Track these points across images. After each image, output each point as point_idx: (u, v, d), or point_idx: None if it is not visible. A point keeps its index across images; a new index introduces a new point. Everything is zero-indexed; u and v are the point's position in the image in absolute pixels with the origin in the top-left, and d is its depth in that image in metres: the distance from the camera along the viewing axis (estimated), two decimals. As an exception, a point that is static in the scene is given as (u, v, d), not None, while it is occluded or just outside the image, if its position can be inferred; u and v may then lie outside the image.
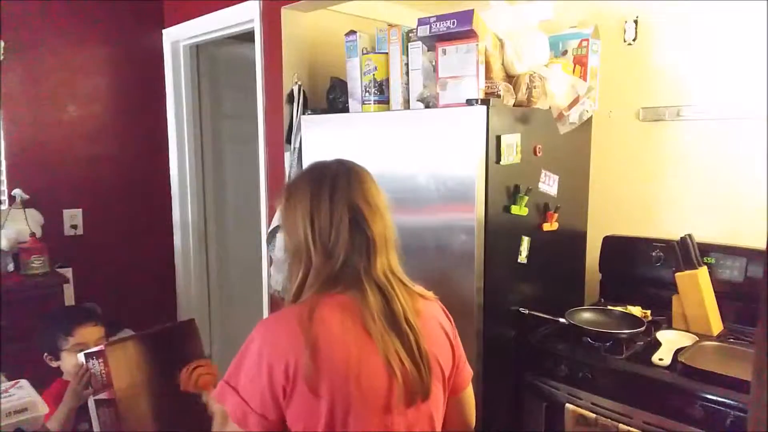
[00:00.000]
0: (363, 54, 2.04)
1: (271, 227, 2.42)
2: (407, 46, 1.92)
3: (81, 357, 1.52)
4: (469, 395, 1.21)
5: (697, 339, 1.71)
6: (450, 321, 1.17)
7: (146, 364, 1.52)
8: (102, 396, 1.49)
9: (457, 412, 1.18)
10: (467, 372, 1.19)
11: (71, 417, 1.59)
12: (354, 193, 1.07)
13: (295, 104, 2.30)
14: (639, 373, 1.56)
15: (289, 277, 1.12)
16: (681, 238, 1.82)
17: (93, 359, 1.50)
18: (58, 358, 1.75)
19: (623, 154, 2.13)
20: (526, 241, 1.79)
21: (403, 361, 1.01)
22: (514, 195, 1.74)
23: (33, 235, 2.62)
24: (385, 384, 1.01)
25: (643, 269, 1.98)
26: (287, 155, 2.37)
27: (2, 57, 2.65)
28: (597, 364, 1.63)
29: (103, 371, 1.48)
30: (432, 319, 1.12)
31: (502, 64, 1.75)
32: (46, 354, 1.76)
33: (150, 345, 1.53)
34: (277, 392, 0.97)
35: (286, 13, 2.34)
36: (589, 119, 1.99)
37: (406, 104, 1.94)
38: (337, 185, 1.07)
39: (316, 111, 2.26)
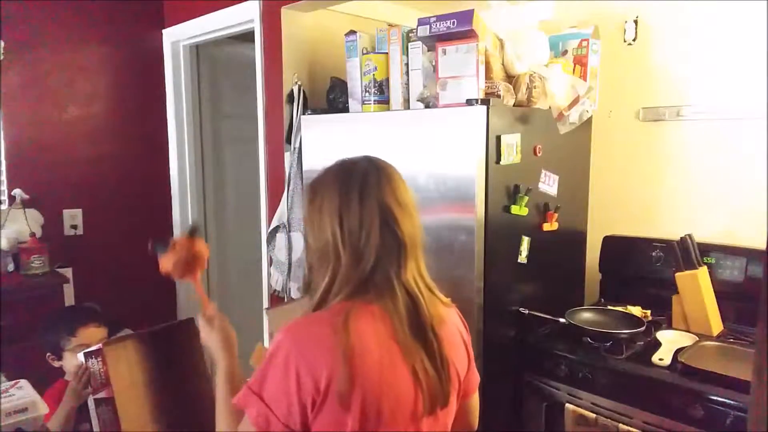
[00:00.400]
0: (363, 54, 2.04)
1: (271, 227, 2.43)
2: (407, 46, 1.92)
3: (80, 356, 1.52)
4: (475, 400, 1.20)
5: (697, 339, 1.71)
6: (466, 328, 1.15)
7: (145, 363, 1.51)
8: (101, 395, 1.49)
9: (462, 417, 1.17)
10: (476, 378, 1.18)
11: (71, 417, 1.59)
12: (384, 192, 1.02)
13: (295, 104, 2.30)
14: (639, 373, 1.56)
15: (314, 280, 1.06)
16: (681, 238, 1.82)
17: (92, 358, 1.49)
18: (60, 358, 1.75)
19: (623, 154, 2.13)
20: (526, 241, 1.79)
21: (427, 370, 0.99)
22: (514, 195, 1.74)
23: (33, 235, 2.63)
24: (412, 394, 0.99)
25: (643, 269, 1.98)
26: (287, 155, 2.37)
27: (2, 57, 2.66)
28: (597, 364, 1.63)
29: (102, 370, 1.48)
30: (452, 326, 1.10)
31: (502, 64, 1.75)
32: (48, 354, 1.76)
33: (149, 344, 1.52)
34: (305, 403, 0.93)
35: (286, 13, 2.34)
36: (589, 119, 1.99)
37: (406, 104, 1.95)
38: (367, 184, 1.02)
39: (316, 111, 2.26)
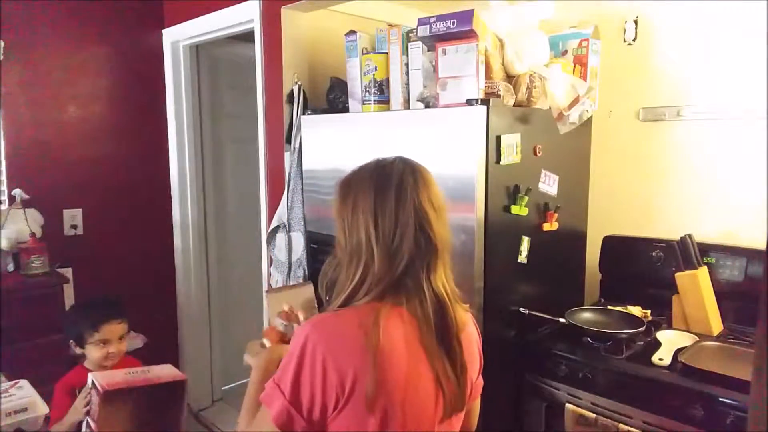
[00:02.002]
0: (363, 54, 2.04)
1: (271, 227, 2.43)
2: (407, 46, 1.92)
3: (89, 378, 1.51)
4: (478, 403, 1.21)
5: (697, 339, 1.71)
6: (479, 333, 1.16)
7: (133, 417, 1.49)
8: (93, 425, 1.48)
9: (464, 419, 1.18)
10: (480, 382, 1.18)
11: (74, 429, 1.61)
12: (421, 195, 1.02)
13: (295, 104, 2.30)
14: (639, 373, 1.55)
15: (342, 277, 1.04)
16: (681, 238, 1.82)
17: (94, 391, 1.47)
18: (83, 347, 1.87)
19: (623, 154, 2.13)
20: (526, 241, 1.79)
21: (449, 375, 1.00)
22: (514, 195, 1.74)
23: (33, 235, 2.62)
24: (433, 399, 0.99)
25: (643, 269, 1.98)
26: (287, 155, 2.37)
27: (2, 57, 2.66)
28: (597, 364, 1.63)
29: (96, 410, 1.46)
30: (470, 333, 1.10)
31: (502, 64, 1.75)
32: (72, 341, 1.88)
33: (145, 399, 1.49)
34: (328, 401, 0.92)
35: (286, 13, 2.34)
36: (589, 119, 1.99)
37: (406, 104, 1.95)
38: (404, 185, 1.02)
39: (316, 111, 2.26)
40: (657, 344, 1.69)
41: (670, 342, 1.69)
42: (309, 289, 1.40)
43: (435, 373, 0.98)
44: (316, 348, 0.93)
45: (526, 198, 1.74)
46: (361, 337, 0.93)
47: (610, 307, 1.90)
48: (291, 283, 2.32)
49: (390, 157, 1.08)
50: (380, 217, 1.00)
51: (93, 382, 1.46)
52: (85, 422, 1.50)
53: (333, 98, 2.25)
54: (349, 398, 0.92)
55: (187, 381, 1.51)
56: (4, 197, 2.74)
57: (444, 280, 1.03)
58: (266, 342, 1.24)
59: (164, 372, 1.53)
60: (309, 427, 0.93)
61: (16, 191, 2.69)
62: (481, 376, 1.17)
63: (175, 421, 1.55)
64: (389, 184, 1.02)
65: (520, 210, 1.73)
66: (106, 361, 1.86)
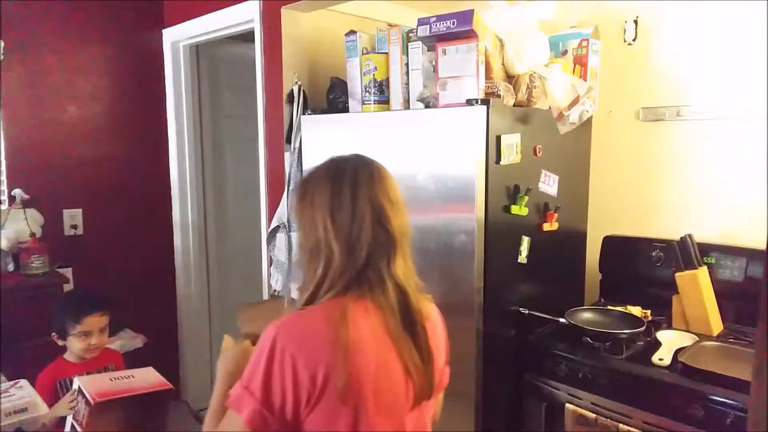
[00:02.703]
0: (363, 54, 2.04)
1: (271, 227, 2.42)
2: (407, 46, 1.92)
3: (76, 382, 1.50)
4: (440, 398, 1.22)
5: (697, 339, 1.71)
6: (443, 324, 1.17)
7: (118, 424, 1.47)
8: (79, 430, 1.47)
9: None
10: (447, 371, 1.19)
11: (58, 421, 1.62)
12: (376, 189, 1.04)
13: (295, 104, 2.30)
14: (639, 373, 1.56)
15: (304, 276, 1.06)
16: (681, 238, 1.82)
17: (81, 398, 1.45)
18: (65, 339, 1.91)
19: (623, 154, 2.13)
20: (526, 241, 1.79)
21: (416, 363, 1.02)
22: (514, 195, 1.74)
23: (33, 235, 2.62)
24: (403, 388, 1.01)
25: (643, 269, 1.98)
26: (287, 155, 2.37)
27: (2, 57, 2.66)
28: (597, 364, 1.63)
29: (83, 417, 1.45)
30: (435, 322, 1.12)
31: (502, 64, 1.75)
32: (54, 333, 1.93)
33: (133, 407, 1.48)
34: (300, 399, 0.93)
35: (286, 13, 2.34)
36: (589, 119, 1.99)
37: (406, 104, 1.95)
38: (359, 180, 1.04)
39: (316, 111, 2.26)
40: (657, 344, 1.69)
41: (670, 342, 1.69)
42: (281, 305, 1.39)
43: (403, 362, 1.00)
44: (285, 349, 0.94)
45: (526, 198, 1.74)
46: (329, 333, 0.95)
47: (610, 307, 1.90)
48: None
49: (346, 155, 1.11)
50: (337, 212, 1.02)
51: (81, 389, 1.46)
52: (70, 423, 1.50)
53: (333, 98, 2.25)
54: (321, 394, 0.93)
55: (173, 390, 1.51)
56: (4, 197, 2.74)
57: (405, 270, 1.05)
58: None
59: (149, 378, 1.53)
60: (283, 427, 0.94)
61: (16, 191, 2.69)
62: (447, 366, 1.19)
63: (162, 426, 1.56)
64: (344, 180, 1.04)
65: (520, 210, 1.73)
66: (87, 353, 1.91)
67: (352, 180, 1.04)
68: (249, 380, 0.96)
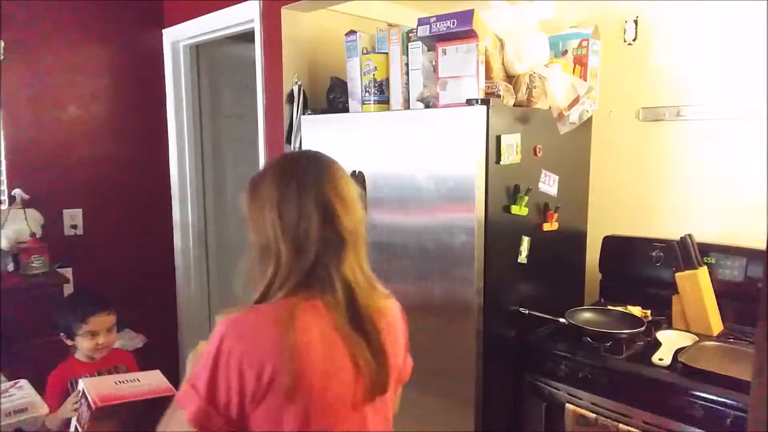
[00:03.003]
0: (363, 54, 2.04)
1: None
2: (407, 46, 1.92)
3: (80, 384, 1.51)
4: (399, 391, 1.21)
5: (697, 339, 1.71)
6: (404, 318, 1.17)
7: (119, 427, 1.48)
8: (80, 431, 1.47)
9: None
10: (409, 363, 1.19)
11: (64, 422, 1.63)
12: (324, 186, 1.03)
13: (295, 104, 2.30)
14: (639, 373, 1.56)
15: (256, 275, 1.05)
16: (681, 238, 1.82)
17: (84, 401, 1.46)
18: (72, 339, 1.93)
19: (623, 154, 2.13)
20: (526, 241, 1.79)
21: (367, 360, 1.01)
22: (514, 195, 1.74)
23: (33, 235, 2.62)
24: (352, 383, 1.01)
25: (643, 269, 1.98)
26: (287, 155, 2.37)
27: (2, 57, 2.66)
28: (597, 364, 1.63)
29: (85, 421, 1.45)
30: (393, 318, 1.12)
31: (502, 64, 1.75)
32: (62, 334, 1.94)
33: (134, 410, 1.48)
34: (245, 397, 0.94)
35: (286, 13, 2.34)
36: (589, 119, 1.99)
37: (406, 104, 1.95)
38: (306, 177, 1.03)
39: (316, 111, 2.26)
40: (657, 344, 1.69)
41: (670, 342, 1.68)
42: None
43: (354, 360, 1.00)
44: (233, 348, 0.94)
45: (526, 198, 1.74)
46: (277, 333, 0.95)
47: (610, 307, 1.90)
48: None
49: (297, 152, 1.11)
50: (285, 211, 1.01)
51: (84, 392, 1.46)
52: (74, 425, 1.50)
53: (333, 98, 2.25)
54: (266, 392, 0.93)
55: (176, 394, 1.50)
56: (4, 197, 2.75)
57: (355, 267, 1.04)
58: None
59: (154, 382, 1.53)
60: (228, 424, 0.95)
61: (16, 191, 2.69)
62: (409, 359, 1.19)
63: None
64: (292, 178, 1.03)
65: (520, 210, 1.73)
66: (95, 352, 1.92)
67: (299, 179, 1.03)
68: (195, 378, 0.97)
